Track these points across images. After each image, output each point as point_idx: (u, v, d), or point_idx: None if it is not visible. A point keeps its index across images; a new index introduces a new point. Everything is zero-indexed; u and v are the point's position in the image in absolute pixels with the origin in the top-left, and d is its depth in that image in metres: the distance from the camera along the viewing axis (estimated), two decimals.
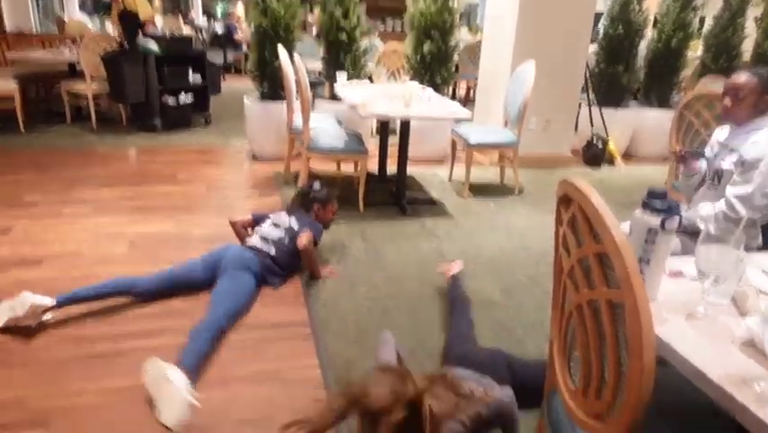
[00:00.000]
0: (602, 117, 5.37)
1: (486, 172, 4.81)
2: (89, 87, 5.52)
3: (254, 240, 2.81)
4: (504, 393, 1.58)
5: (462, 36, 9.32)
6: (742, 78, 2.05)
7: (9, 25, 8.19)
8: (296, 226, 2.82)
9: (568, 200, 1.15)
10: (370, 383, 1.08)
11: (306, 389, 2.01)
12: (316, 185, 3.06)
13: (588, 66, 5.31)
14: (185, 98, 5.70)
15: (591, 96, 5.48)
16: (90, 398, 1.91)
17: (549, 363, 1.39)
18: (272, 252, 2.73)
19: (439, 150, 5.11)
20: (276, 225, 2.85)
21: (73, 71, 5.96)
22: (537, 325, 2.51)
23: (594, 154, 5.30)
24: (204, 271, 2.59)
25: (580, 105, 5.44)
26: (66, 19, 9.81)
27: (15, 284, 2.63)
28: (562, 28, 4.79)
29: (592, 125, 5.46)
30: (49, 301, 2.24)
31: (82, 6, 11.88)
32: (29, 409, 1.86)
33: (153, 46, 5.43)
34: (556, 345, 1.34)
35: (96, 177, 4.20)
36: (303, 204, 3.00)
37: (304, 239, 2.73)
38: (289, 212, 2.95)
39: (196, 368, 1.98)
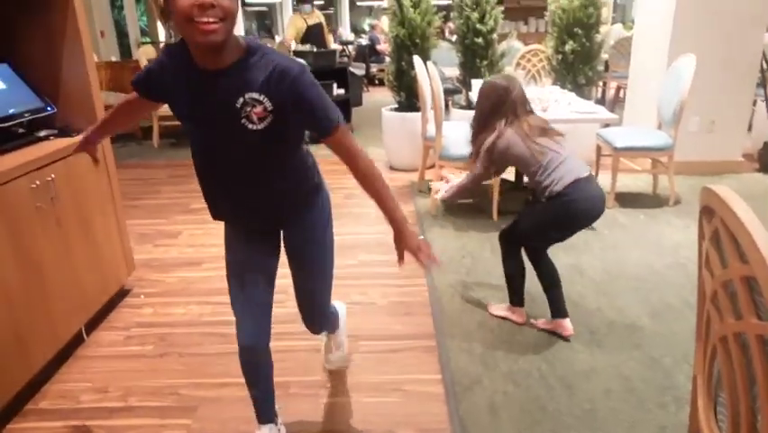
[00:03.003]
0: None
1: (636, 180, 4.39)
2: None
3: None
4: None
5: (616, 32, 8.67)
6: None
7: None
8: None
9: (710, 212, 0.98)
10: None
11: (428, 405, 1.99)
12: None
13: (765, 56, 4.60)
14: None
15: None
16: (233, 390, 2.08)
17: (692, 403, 1.21)
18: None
19: (582, 156, 4.77)
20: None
21: None
22: (689, 355, 2.20)
23: None
24: None
25: (755, 102, 4.74)
26: None
27: (180, 281, 2.99)
28: (730, 13, 4.21)
29: None
30: None
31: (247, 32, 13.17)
32: (181, 396, 2.08)
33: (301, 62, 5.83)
34: (700, 381, 1.16)
35: None
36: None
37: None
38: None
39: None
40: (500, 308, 2.57)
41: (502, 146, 2.27)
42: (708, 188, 0.97)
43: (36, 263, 2.06)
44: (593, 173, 2.45)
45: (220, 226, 1.74)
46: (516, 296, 2.48)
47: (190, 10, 1.15)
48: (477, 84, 4.36)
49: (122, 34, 11.23)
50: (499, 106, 2.30)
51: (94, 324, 2.54)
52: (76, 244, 2.32)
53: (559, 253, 3.14)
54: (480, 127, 2.38)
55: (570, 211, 2.21)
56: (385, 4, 10.92)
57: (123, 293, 2.82)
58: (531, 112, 2.35)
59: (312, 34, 6.80)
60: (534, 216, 2.36)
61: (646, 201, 4.03)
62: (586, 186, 2.20)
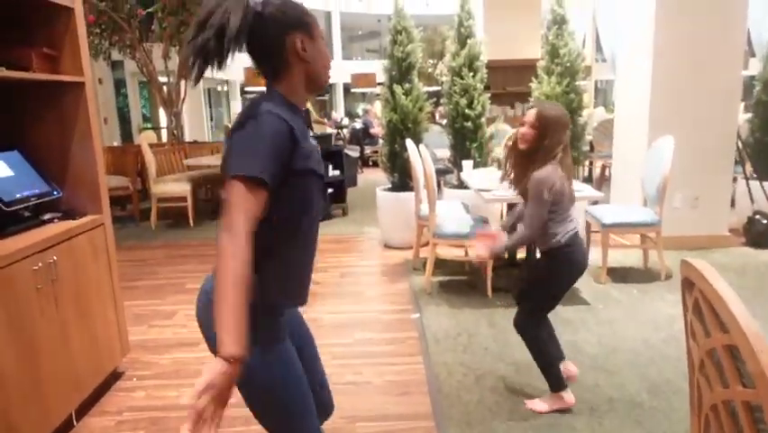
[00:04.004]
0: (765, 191, 4.79)
1: (627, 257, 4.47)
2: None
3: None
4: None
5: (598, 115, 9.12)
6: None
7: (188, 137, 9.70)
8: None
9: (690, 283, 1.04)
10: None
11: None
12: None
13: (739, 136, 4.85)
14: (325, 192, 6.21)
15: (749, 168, 4.95)
16: None
17: None
18: None
19: None
20: None
21: None
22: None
23: (758, 232, 4.69)
24: None
25: (735, 178, 4.93)
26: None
27: (173, 363, 2.95)
28: (705, 96, 4.48)
29: (753, 201, 4.88)
30: None
31: None
32: None
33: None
34: None
35: None
36: None
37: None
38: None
39: None
40: (545, 402, 2.35)
41: (558, 182, 2.06)
42: (687, 262, 1.03)
43: (32, 345, 2.06)
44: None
45: None
46: (559, 379, 2.33)
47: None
48: (467, 164, 4.55)
49: (124, 120, 11.66)
50: (562, 136, 2.09)
51: (85, 408, 2.47)
52: (72, 326, 2.33)
53: (556, 330, 3.16)
54: (539, 158, 2.09)
55: (574, 264, 2.20)
56: (378, 91, 11.49)
57: (116, 375, 2.77)
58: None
59: None
60: (546, 279, 2.30)
61: (638, 276, 4.09)
62: (579, 239, 2.24)
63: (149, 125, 11.58)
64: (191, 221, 6.19)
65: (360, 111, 17.23)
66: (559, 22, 4.99)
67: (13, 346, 1.95)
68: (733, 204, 5.00)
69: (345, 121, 14.00)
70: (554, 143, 2.09)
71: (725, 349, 0.92)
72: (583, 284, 3.87)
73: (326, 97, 18.40)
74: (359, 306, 3.69)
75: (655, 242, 3.96)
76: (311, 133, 1.48)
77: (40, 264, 2.10)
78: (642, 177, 4.14)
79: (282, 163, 1.13)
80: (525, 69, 7.17)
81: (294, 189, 1.19)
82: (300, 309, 1.48)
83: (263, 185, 1.09)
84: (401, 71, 4.96)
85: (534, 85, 5.09)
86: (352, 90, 16.69)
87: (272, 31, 1.19)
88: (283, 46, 1.20)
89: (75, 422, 2.39)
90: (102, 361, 2.58)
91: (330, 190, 6.25)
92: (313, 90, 1.30)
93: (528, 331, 2.32)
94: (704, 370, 1.03)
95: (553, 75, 4.93)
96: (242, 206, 1.07)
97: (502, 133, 6.26)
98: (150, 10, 7.21)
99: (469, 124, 4.99)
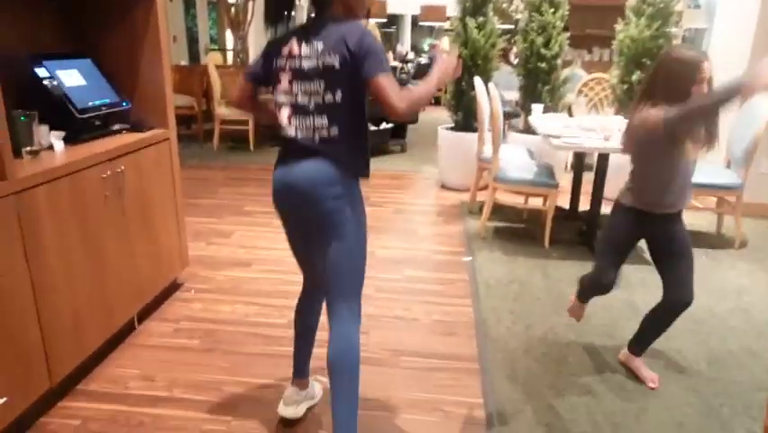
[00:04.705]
0: None
1: (699, 219, 4.21)
2: None
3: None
4: None
5: None
6: None
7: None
8: (335, 59, 1.52)
9: None
10: None
11: (467, 429, 1.94)
12: None
13: None
14: (385, 126, 6.10)
15: None
16: (274, 392, 2.10)
17: None
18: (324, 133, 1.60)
19: None
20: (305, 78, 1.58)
21: None
22: (751, 407, 2.08)
23: None
24: None
25: None
26: None
27: (229, 280, 3.05)
28: None
29: None
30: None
31: None
32: (223, 393, 2.11)
33: None
34: None
35: None
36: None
37: (382, 88, 1.48)
38: (303, 34, 1.58)
39: None
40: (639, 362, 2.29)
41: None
42: None
43: (100, 250, 2.15)
44: None
45: (271, 230, 1.80)
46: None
47: None
48: (537, 108, 4.32)
49: (192, 40, 11.73)
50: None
51: (146, 313, 2.62)
52: (137, 235, 2.41)
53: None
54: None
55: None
56: (447, 25, 10.98)
57: (175, 286, 2.90)
58: None
59: None
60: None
61: (709, 241, 3.85)
62: None
63: (215, 47, 11.62)
64: (251, 145, 6.26)
65: (425, 46, 16.65)
66: None
67: (83, 250, 2.04)
68: None
69: (411, 55, 13.57)
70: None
71: None
72: (643, 243, 3.69)
73: (393, 29, 17.84)
74: (411, 243, 3.67)
75: (734, 207, 3.69)
76: None
77: (109, 173, 2.16)
78: (729, 134, 3.81)
79: None
80: (610, 10, 6.62)
81: None
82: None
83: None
84: (475, 3, 4.67)
85: (619, 27, 4.69)
86: (420, 23, 16.07)
87: None
88: None
89: (136, 325, 2.53)
90: (163, 271, 2.69)
91: (389, 125, 6.13)
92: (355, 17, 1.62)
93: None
94: None
95: (642, 16, 4.51)
96: (397, 86, 1.50)
97: (577, 77, 5.89)
98: None
99: (543, 64, 4.70)
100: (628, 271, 3.27)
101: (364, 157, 1.71)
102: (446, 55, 1.70)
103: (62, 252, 1.93)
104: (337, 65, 1.52)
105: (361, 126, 1.67)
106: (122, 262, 2.31)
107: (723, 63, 4.54)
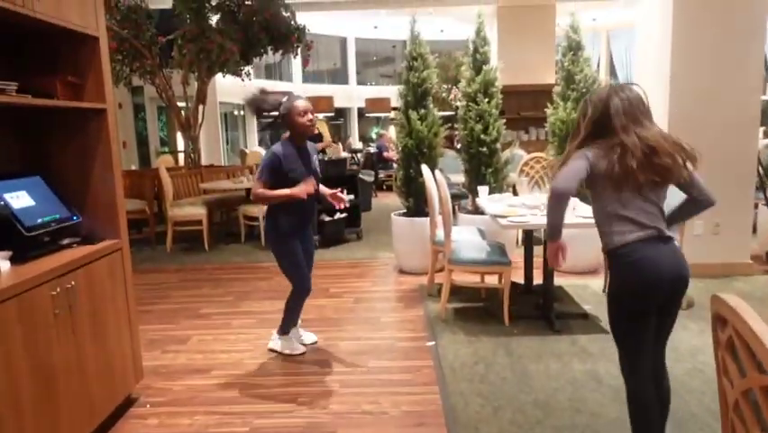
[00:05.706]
0: None
1: None
2: (260, 210, 6.28)
3: None
4: None
5: None
6: None
7: (205, 160, 9.82)
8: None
9: (722, 320, 1.01)
10: None
11: None
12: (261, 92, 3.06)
13: (760, 162, 4.78)
14: (340, 216, 6.21)
15: None
16: None
17: None
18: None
19: (590, 260, 4.82)
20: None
21: (249, 197, 6.86)
22: None
23: None
24: None
25: (756, 205, 4.85)
26: (247, 151, 11.51)
27: (187, 390, 2.93)
28: (723, 122, 4.44)
29: None
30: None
31: (260, 141, 13.89)
32: None
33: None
34: None
35: (261, 291, 4.63)
36: (269, 126, 3.10)
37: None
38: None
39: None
40: None
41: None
42: (718, 297, 1.00)
43: (49, 372, 2.05)
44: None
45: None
46: None
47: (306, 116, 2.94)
48: (483, 190, 4.53)
49: (141, 143, 11.84)
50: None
51: None
52: (88, 352, 2.32)
53: (573, 360, 3.10)
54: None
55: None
56: (392, 115, 11.56)
57: (129, 402, 2.76)
58: None
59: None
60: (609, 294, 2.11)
61: None
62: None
63: (166, 149, 11.76)
64: (206, 245, 6.22)
65: (373, 135, 17.36)
66: (574, 48, 5.01)
67: (30, 374, 1.94)
68: (754, 230, 4.91)
69: (360, 145, 14.10)
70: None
71: (763, 391, 0.89)
72: (602, 313, 3.80)
73: (341, 122, 18.61)
74: (373, 332, 3.65)
75: None
76: (325, 157, 2.50)
77: (58, 289, 2.11)
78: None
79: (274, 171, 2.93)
80: (540, 94, 7.20)
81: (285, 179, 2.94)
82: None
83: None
84: (416, 97, 4.98)
85: (549, 110, 5.09)
86: (367, 115, 16.88)
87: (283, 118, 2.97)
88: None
89: None
90: (116, 387, 2.57)
91: (344, 215, 6.25)
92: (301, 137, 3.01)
93: (625, 378, 2.10)
94: (739, 411, 0.98)
95: (568, 100, 4.93)
96: (257, 185, 2.92)
97: (518, 158, 6.25)
98: (170, 37, 7.38)
99: (484, 149, 4.99)
100: (587, 341, 3.34)
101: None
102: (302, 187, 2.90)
103: (8, 379, 1.83)
104: None
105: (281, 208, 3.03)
106: (72, 383, 2.20)
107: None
